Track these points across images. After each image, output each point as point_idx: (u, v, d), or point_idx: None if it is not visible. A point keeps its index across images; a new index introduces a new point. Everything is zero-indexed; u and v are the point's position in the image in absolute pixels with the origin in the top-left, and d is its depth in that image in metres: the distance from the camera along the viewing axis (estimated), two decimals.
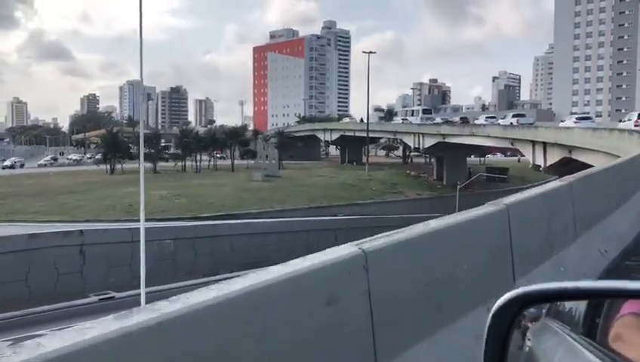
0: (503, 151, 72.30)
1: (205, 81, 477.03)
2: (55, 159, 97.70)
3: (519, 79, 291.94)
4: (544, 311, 1.76)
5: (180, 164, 66.91)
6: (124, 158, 66.57)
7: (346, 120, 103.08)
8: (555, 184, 6.56)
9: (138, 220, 34.74)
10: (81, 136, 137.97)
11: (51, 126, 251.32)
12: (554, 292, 1.49)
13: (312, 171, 61.65)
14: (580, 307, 1.65)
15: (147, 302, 2.61)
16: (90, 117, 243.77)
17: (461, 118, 64.74)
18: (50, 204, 36.09)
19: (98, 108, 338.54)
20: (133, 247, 29.75)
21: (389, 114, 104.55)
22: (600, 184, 8.31)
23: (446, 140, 52.67)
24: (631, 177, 10.01)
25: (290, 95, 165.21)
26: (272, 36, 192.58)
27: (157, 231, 30.00)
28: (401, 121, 67.68)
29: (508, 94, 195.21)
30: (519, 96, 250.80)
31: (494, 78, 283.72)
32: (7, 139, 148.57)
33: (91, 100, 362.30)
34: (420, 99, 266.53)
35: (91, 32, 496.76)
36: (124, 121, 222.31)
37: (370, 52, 61.05)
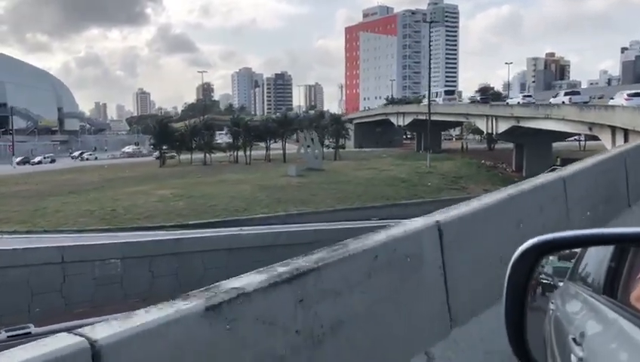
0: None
1: (319, 66, 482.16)
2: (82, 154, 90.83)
3: None
4: (567, 275, 1.81)
5: (231, 154, 62.16)
6: (177, 149, 63.14)
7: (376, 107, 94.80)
8: None
9: (110, 230, 29.66)
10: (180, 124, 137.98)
11: (172, 115, 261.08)
12: (571, 240, 1.51)
13: (367, 162, 54.15)
14: (601, 267, 1.62)
15: None
16: (198, 105, 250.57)
17: (481, 99, 56.12)
18: (27, 209, 32.13)
19: (212, 96, 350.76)
20: (66, 269, 24.66)
21: (482, 92, 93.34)
22: None
23: (520, 124, 42.87)
24: None
25: (383, 76, 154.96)
26: (364, 15, 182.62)
27: (99, 249, 24.59)
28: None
29: (635, 66, 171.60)
30: None
31: (623, 50, 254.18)
32: (107, 130, 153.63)
33: (206, 89, 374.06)
34: (534, 76, 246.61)
35: (212, 23, 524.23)
36: (222, 109, 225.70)
37: (431, 21, 52.21)
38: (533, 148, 47.53)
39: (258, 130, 62.73)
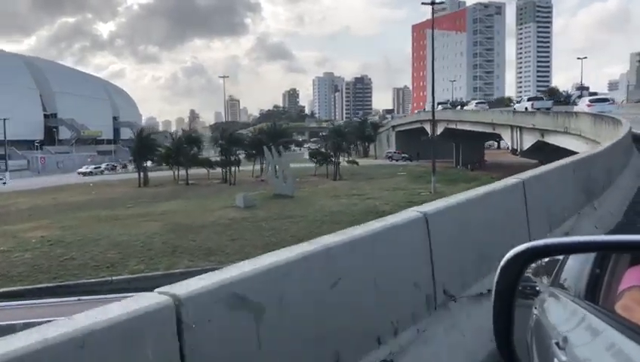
0: None
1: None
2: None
3: None
4: (549, 281, 1.79)
5: (225, 171, 53.22)
6: (167, 165, 55.32)
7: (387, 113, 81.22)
8: None
9: None
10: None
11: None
12: (558, 246, 1.54)
13: (365, 184, 43.33)
14: (582, 273, 1.63)
15: None
16: (272, 113, 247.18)
17: (451, 104, 43.35)
18: None
19: (298, 102, 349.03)
20: None
21: (549, 93, 78.82)
22: None
23: (544, 139, 30.46)
24: None
25: (451, 76, 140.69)
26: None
27: None
28: None
29: None
30: None
31: None
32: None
33: (291, 95, 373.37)
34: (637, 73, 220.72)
35: (306, 32, 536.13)
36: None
37: (433, 2, 41.92)
38: None
39: (252, 142, 53.39)
